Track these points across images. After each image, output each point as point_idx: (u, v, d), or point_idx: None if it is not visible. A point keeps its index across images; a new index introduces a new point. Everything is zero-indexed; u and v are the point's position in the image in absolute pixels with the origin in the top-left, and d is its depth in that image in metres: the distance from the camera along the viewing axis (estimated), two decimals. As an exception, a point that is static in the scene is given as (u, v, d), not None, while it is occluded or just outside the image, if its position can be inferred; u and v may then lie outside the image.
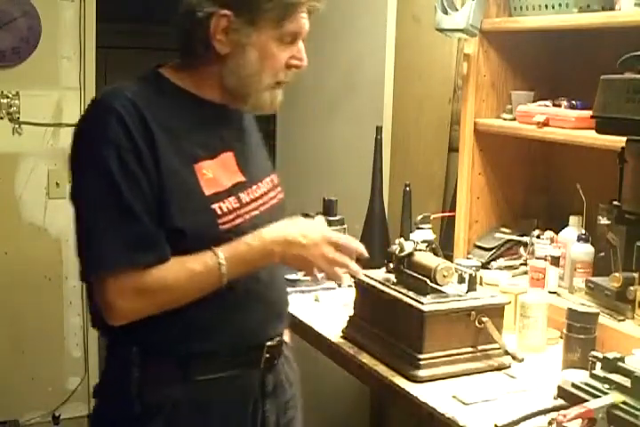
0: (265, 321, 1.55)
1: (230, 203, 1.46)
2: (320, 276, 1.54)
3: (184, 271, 1.40)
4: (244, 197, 1.50)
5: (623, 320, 1.91)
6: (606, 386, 1.43)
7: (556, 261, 2.15)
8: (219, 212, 1.44)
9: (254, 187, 1.54)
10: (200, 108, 1.49)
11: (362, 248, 1.53)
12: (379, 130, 2.71)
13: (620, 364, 1.45)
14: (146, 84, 1.47)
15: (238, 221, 1.47)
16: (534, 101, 2.26)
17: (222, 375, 1.49)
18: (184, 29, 1.45)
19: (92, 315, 1.50)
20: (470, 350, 1.79)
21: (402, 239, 1.94)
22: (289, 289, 1.70)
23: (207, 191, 1.44)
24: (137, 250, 1.36)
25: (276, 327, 1.59)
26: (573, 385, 1.48)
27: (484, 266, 2.32)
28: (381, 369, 1.82)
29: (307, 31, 1.47)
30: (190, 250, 1.41)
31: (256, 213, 1.51)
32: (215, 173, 1.46)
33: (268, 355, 1.55)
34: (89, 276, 1.40)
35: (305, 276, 1.68)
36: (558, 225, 2.23)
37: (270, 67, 1.45)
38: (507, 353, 1.80)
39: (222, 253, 1.41)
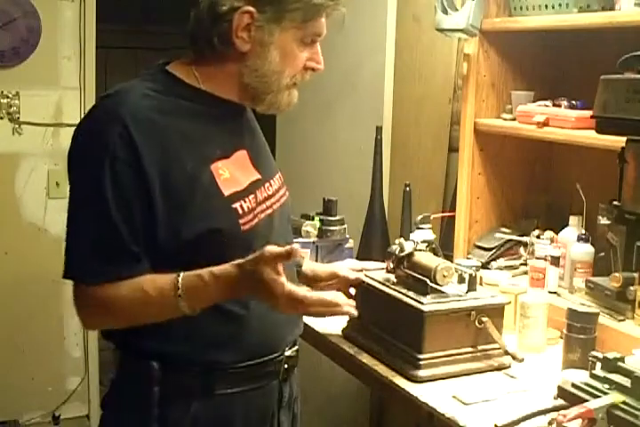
0: (283, 328, 1.51)
1: (250, 202, 1.43)
2: None
3: (140, 294, 1.33)
4: (259, 195, 1.47)
5: (623, 320, 1.91)
6: (606, 386, 1.43)
7: (556, 261, 2.15)
8: (240, 211, 1.40)
9: (267, 185, 1.51)
10: (214, 107, 1.44)
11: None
12: (379, 130, 2.71)
13: (620, 364, 1.45)
14: (155, 84, 1.40)
15: (255, 221, 1.43)
16: (534, 101, 2.26)
17: (243, 389, 1.45)
18: (203, 24, 1.38)
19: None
20: (470, 350, 1.79)
21: (402, 239, 1.93)
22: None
23: (226, 191, 1.39)
24: (108, 263, 1.33)
25: (293, 332, 1.56)
26: (573, 385, 1.48)
27: (484, 266, 2.32)
28: (381, 369, 1.81)
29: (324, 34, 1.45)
30: (212, 255, 1.36)
31: (269, 211, 1.49)
32: (232, 171, 1.42)
33: (286, 365, 1.52)
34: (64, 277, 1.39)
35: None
36: (558, 225, 2.23)
37: (291, 67, 1.42)
38: (507, 353, 1.80)
39: (183, 285, 1.31)
